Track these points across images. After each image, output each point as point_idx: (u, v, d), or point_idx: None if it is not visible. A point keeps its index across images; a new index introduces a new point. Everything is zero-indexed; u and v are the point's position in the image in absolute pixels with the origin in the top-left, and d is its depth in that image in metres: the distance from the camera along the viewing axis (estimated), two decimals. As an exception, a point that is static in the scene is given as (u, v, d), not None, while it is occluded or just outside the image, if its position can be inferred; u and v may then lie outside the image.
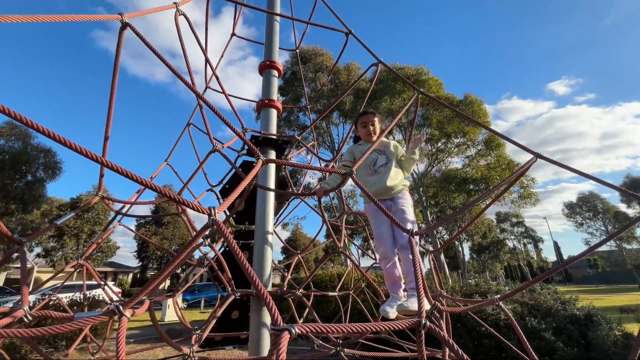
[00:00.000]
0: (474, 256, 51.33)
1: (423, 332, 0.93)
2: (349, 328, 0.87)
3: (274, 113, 2.93)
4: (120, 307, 1.09)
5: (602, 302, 14.75)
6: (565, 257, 64.41)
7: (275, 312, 0.83)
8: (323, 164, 4.27)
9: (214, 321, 2.16)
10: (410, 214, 2.28)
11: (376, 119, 2.65)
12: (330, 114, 21.42)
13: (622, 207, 41.76)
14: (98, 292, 10.36)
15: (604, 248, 48.42)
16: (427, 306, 1.46)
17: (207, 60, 2.84)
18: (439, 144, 19.87)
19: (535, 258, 63.22)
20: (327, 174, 3.88)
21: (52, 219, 25.07)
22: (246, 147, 3.12)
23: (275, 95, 3.00)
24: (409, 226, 2.10)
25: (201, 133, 3.42)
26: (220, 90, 2.90)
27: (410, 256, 2.06)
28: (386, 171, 2.38)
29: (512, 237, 55.40)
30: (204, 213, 1.08)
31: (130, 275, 40.85)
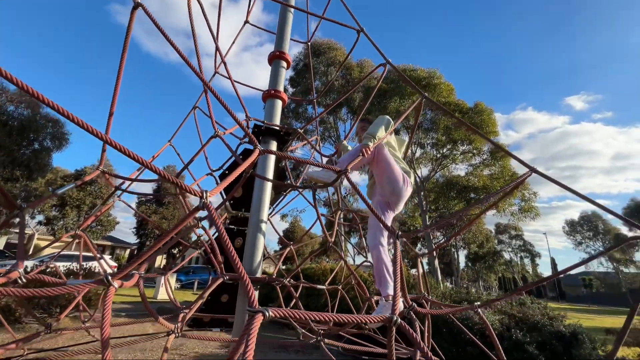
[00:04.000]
0: (469, 264, 51.35)
1: (394, 328, 0.97)
2: (322, 316, 0.91)
3: (279, 104, 2.95)
4: (109, 277, 1.14)
5: (591, 322, 14.76)
6: (561, 274, 64.03)
7: (253, 294, 0.87)
8: (325, 160, 4.29)
9: (200, 302, 2.22)
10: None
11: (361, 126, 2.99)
12: (339, 109, 21.31)
13: (624, 230, 41.41)
14: (95, 264, 10.55)
15: (600, 269, 48.13)
16: (402, 306, 1.51)
17: (217, 48, 2.86)
18: (445, 150, 19.78)
19: (531, 272, 63.16)
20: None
21: (55, 189, 25.43)
22: (248, 135, 3.16)
23: (281, 87, 3.02)
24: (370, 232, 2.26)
25: (207, 117, 3.45)
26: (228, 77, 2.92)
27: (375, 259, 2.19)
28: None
29: (510, 250, 55.26)
30: (195, 195, 1.12)
31: (128, 251, 41.41)
